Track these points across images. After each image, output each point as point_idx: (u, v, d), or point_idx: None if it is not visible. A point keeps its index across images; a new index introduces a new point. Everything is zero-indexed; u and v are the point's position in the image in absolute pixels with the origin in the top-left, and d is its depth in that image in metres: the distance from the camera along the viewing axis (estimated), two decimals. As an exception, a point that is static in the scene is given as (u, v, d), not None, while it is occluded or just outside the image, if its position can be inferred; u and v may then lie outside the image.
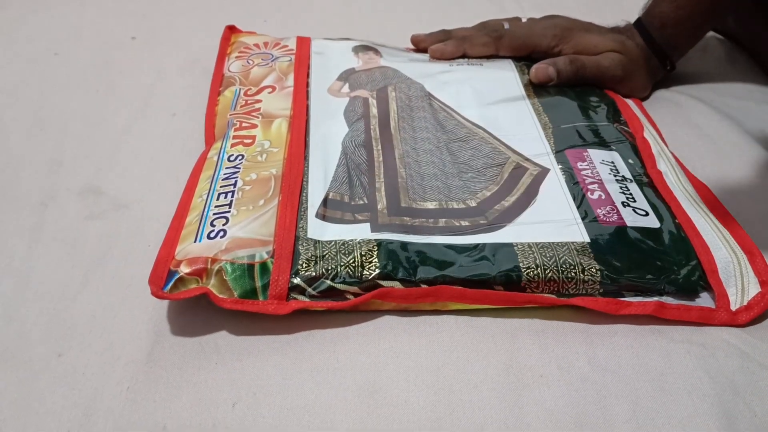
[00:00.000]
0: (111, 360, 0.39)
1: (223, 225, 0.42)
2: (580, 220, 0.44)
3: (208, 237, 0.42)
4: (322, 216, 0.44)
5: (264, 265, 0.40)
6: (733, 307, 0.41)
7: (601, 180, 0.47)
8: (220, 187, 0.45)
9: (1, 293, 0.43)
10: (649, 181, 0.48)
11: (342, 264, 0.41)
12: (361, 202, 0.45)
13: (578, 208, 0.45)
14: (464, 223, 0.44)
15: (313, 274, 0.40)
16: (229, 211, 0.43)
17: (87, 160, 0.53)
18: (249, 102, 0.54)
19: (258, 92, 0.55)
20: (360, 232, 0.43)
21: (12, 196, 0.50)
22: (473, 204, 0.45)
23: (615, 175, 0.48)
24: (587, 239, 0.42)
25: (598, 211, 0.45)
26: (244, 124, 0.51)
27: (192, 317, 0.40)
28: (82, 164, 0.53)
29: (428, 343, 0.39)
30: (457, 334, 0.40)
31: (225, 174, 0.47)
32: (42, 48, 0.67)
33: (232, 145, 0.49)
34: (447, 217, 0.44)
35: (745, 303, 0.41)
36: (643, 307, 0.40)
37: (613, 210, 0.45)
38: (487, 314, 0.40)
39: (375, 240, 0.42)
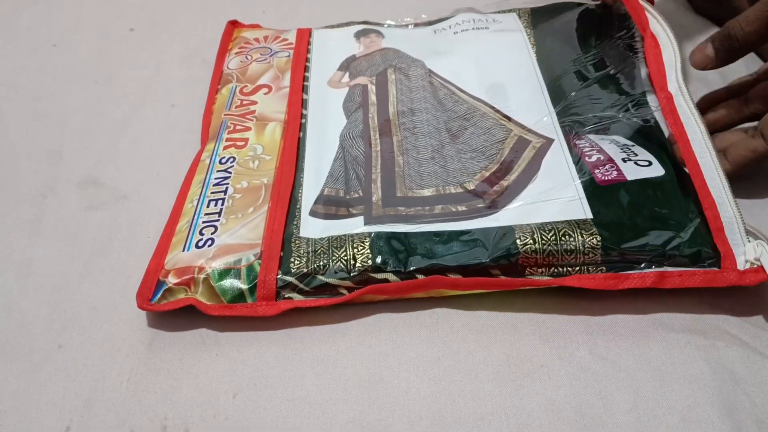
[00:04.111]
0: (111, 351, 0.39)
1: (212, 234, 0.42)
2: (582, 194, 0.42)
3: (197, 246, 0.41)
4: (316, 213, 0.44)
5: (250, 268, 0.40)
6: (741, 267, 0.39)
7: (600, 148, 0.46)
8: (211, 193, 0.45)
9: (2, 285, 0.43)
10: (655, 118, 0.45)
11: (334, 259, 0.40)
12: (356, 195, 0.45)
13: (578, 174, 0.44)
14: (461, 208, 0.43)
15: (305, 270, 0.40)
16: (218, 220, 0.43)
17: (86, 152, 0.53)
18: (244, 103, 0.53)
19: (254, 91, 0.54)
20: (353, 225, 0.43)
21: (11, 188, 0.50)
22: (471, 187, 0.45)
23: (617, 144, 0.46)
24: (590, 216, 0.41)
25: (596, 171, 0.43)
26: (237, 127, 0.51)
27: (192, 308, 0.40)
28: (82, 155, 0.53)
29: (428, 334, 0.39)
30: (457, 325, 0.40)
31: (216, 179, 0.46)
32: (41, 39, 0.67)
33: (225, 148, 0.49)
34: (443, 203, 0.44)
35: (750, 263, 0.38)
36: (642, 280, 0.39)
37: (612, 167, 0.43)
38: (487, 305, 0.40)
39: (367, 232, 0.42)
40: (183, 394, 0.37)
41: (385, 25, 0.62)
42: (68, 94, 0.59)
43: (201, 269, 0.40)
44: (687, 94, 0.44)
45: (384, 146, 0.49)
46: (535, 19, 0.60)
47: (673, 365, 0.37)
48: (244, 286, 0.39)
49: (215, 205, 0.44)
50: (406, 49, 0.58)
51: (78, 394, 0.37)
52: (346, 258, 0.40)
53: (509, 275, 0.40)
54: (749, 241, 0.39)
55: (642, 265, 0.40)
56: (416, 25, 0.63)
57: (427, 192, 0.45)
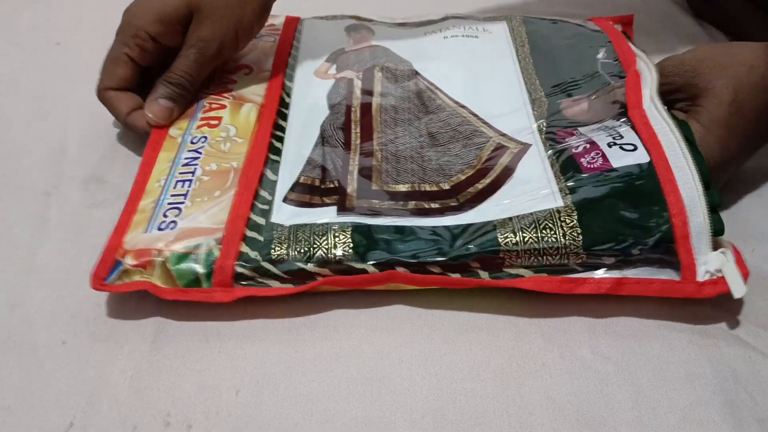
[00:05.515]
0: (115, 348, 0.39)
1: (175, 216, 0.42)
2: (555, 187, 0.42)
3: (159, 229, 0.41)
4: (290, 200, 0.44)
5: (210, 253, 0.40)
6: (701, 279, 0.38)
7: (589, 138, 0.45)
8: (179, 173, 0.45)
9: (6, 281, 0.43)
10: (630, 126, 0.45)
11: (297, 247, 0.40)
12: (332, 186, 0.45)
13: (560, 166, 0.44)
14: (434, 205, 0.44)
15: (266, 257, 0.40)
16: (183, 203, 0.43)
17: (89, 149, 0.53)
18: (223, 81, 0.53)
19: (235, 70, 0.54)
20: (326, 215, 0.43)
21: (15, 186, 0.50)
22: (446, 187, 0.45)
23: (604, 129, 0.46)
24: (561, 204, 0.41)
25: (582, 160, 0.43)
26: (213, 106, 0.50)
27: (195, 305, 0.40)
28: (85, 153, 0.53)
29: (430, 333, 0.39)
30: (459, 324, 0.40)
31: (186, 159, 0.46)
32: (43, 37, 0.67)
33: (198, 127, 0.49)
34: (417, 199, 0.44)
35: (711, 275, 0.38)
36: (598, 286, 0.39)
37: (598, 154, 0.43)
38: (489, 305, 0.41)
39: (336, 222, 0.42)
40: (186, 391, 0.37)
41: (376, 22, 0.63)
42: (71, 91, 0.59)
43: (160, 252, 0.40)
44: (660, 105, 0.45)
45: (364, 139, 0.49)
46: (528, 28, 0.60)
47: (674, 364, 0.37)
48: (201, 271, 0.39)
49: (182, 186, 0.44)
50: (396, 48, 0.58)
51: (81, 391, 0.37)
52: (309, 246, 0.40)
53: (484, 264, 0.40)
54: (713, 250, 0.39)
55: (609, 264, 0.39)
56: (407, 25, 0.63)
57: (402, 188, 0.45)
